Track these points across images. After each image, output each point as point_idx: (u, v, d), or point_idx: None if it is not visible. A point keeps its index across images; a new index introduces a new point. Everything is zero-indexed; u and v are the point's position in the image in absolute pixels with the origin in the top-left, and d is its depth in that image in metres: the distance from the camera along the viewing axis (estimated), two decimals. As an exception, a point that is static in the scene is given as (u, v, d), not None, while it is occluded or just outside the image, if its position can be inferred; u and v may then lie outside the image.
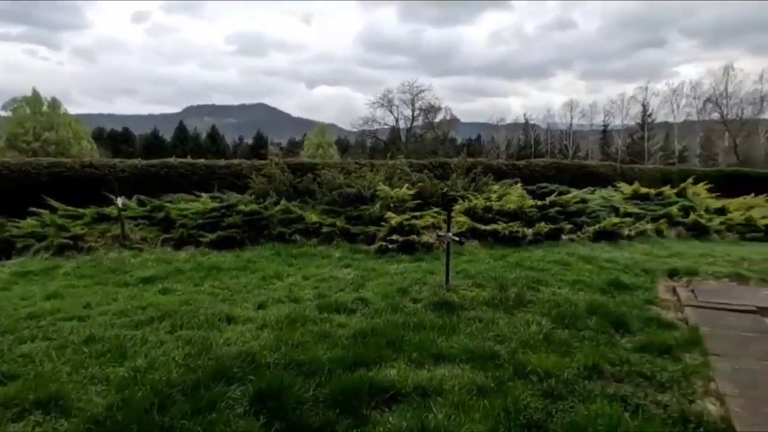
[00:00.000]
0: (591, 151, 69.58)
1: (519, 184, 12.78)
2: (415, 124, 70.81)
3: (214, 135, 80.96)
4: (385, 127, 72.24)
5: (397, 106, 69.00)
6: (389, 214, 9.54)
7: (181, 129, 79.33)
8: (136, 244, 8.45)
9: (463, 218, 9.51)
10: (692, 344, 4.31)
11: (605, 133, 71.93)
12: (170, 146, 69.03)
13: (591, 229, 9.69)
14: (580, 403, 3.23)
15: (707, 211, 11.42)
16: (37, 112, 56.74)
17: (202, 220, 9.20)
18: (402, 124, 71.32)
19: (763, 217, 11.17)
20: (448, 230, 6.03)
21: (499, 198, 11.22)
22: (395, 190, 10.80)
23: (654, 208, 11.09)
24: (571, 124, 73.55)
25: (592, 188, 15.32)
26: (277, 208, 9.70)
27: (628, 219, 10.59)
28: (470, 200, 10.67)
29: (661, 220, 10.38)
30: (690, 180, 12.38)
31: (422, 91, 68.02)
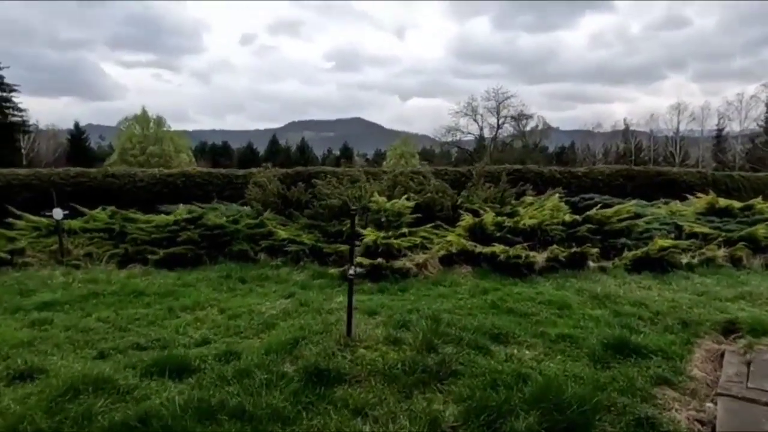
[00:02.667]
0: (702, 158, 62.01)
1: (557, 195, 10.42)
2: (502, 132, 67.53)
3: (303, 147, 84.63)
4: (469, 136, 69.68)
5: (482, 115, 66.17)
6: (366, 230, 7.86)
7: (273, 142, 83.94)
8: (76, 260, 7.59)
9: (454, 237, 7.57)
10: None
11: (719, 138, 63.64)
12: (263, 158, 72.62)
13: (630, 254, 7.28)
14: None
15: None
16: (144, 128, 62.21)
17: (159, 235, 8.16)
18: (487, 133, 68.36)
19: None
20: (351, 262, 4.28)
21: (528, 211, 9.06)
22: (392, 202, 9.09)
23: (733, 228, 8.27)
24: (678, 129, 66.02)
25: (666, 200, 12.44)
26: (244, 222, 8.42)
27: (690, 241, 7.97)
28: (480, 214, 8.64)
29: (739, 244, 7.62)
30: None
31: (508, 97, 64.65)
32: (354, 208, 8.89)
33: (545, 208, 9.47)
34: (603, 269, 7.22)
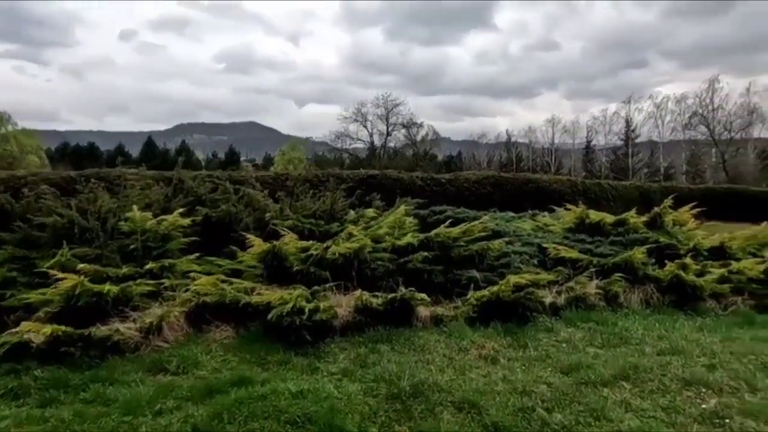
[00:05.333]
0: (574, 167, 66.34)
1: (402, 207, 8.15)
2: (392, 139, 66.70)
3: (181, 150, 77.77)
4: (359, 143, 67.94)
5: (371, 121, 64.70)
6: (84, 266, 4.83)
7: (149, 144, 76.34)
8: None
9: (206, 281, 4.79)
10: None
11: (588, 149, 68.57)
12: (137, 162, 64.98)
13: (476, 296, 5.04)
14: None
15: (696, 253, 6.84)
16: (-16, 127, 52.87)
17: None
18: (377, 140, 67.12)
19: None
20: None
21: (356, 230, 6.58)
22: (157, 220, 6.11)
23: (606, 252, 6.48)
24: (553, 141, 70.24)
25: (534, 212, 10.79)
26: None
27: (556, 271, 5.99)
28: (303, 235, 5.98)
29: (615, 276, 5.77)
30: (668, 201, 7.79)
31: (397, 105, 63.83)
32: (88, 227, 5.82)
33: (382, 226, 7.09)
34: (438, 321, 4.89)
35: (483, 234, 6.81)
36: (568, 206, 8.84)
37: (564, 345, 4.50)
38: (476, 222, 6.70)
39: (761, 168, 47.72)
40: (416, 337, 4.50)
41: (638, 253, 6.03)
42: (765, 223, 9.54)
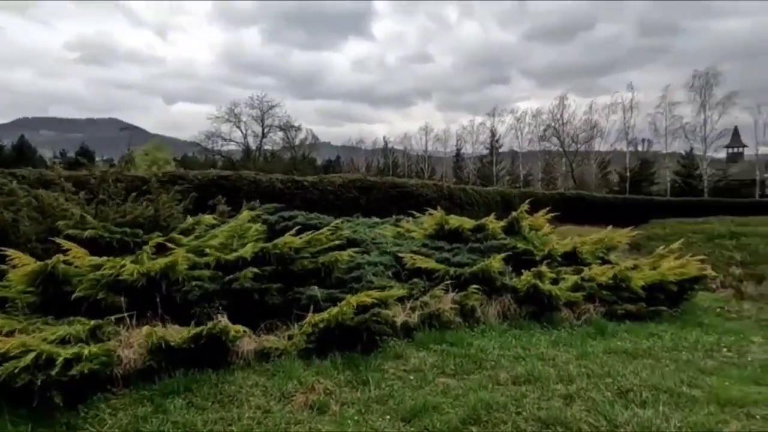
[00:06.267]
0: (445, 174, 69.63)
1: (246, 213, 7.05)
2: (269, 142, 63.82)
3: (21, 147, 66.57)
4: (232, 144, 63.92)
5: (245, 122, 61.24)
6: None
7: (-26, 140, 64.11)
8: None
9: None
10: None
11: (458, 157, 72.55)
12: (-47, 159, 54.14)
13: (312, 321, 4.14)
14: None
15: (551, 259, 6.71)
16: None
17: None
18: (253, 143, 63.72)
19: (634, 267, 6.72)
20: None
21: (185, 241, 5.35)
22: None
23: (464, 260, 6.03)
24: (426, 148, 73.21)
25: (398, 217, 10.29)
26: None
27: (411, 284, 5.35)
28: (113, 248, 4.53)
29: (471, 288, 5.29)
30: (525, 206, 7.69)
31: (273, 107, 61.21)
32: None
33: (217, 235, 5.91)
34: (264, 357, 3.91)
35: (336, 243, 5.97)
36: (431, 211, 8.40)
37: (412, 376, 3.79)
38: (324, 229, 5.83)
39: (601, 176, 54.23)
40: (228, 382, 3.46)
41: (495, 262, 5.62)
42: (610, 227, 10.07)
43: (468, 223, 7.29)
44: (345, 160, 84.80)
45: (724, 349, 4.81)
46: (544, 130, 58.80)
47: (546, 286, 5.41)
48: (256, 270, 4.65)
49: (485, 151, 66.25)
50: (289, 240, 5.30)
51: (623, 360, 4.27)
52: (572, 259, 7.24)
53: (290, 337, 4.27)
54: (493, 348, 4.43)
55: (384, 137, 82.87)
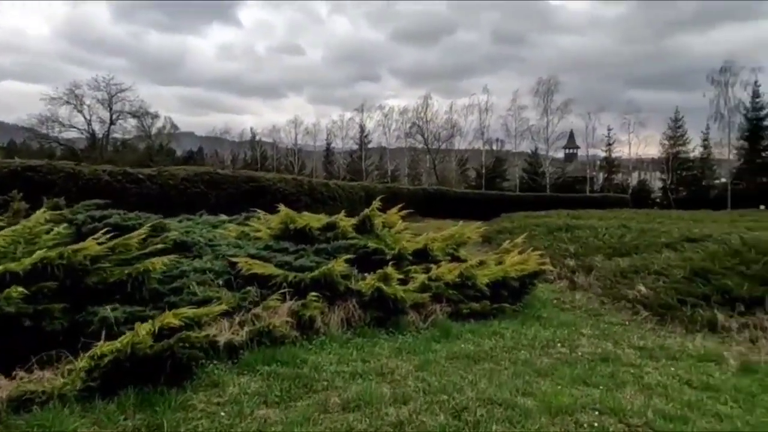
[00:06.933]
0: (316, 168, 68.81)
1: (42, 211, 5.77)
2: (119, 129, 56.43)
3: None
4: (73, 130, 55.30)
5: (89, 106, 53.40)
6: None
7: None
8: None
9: None
10: None
11: (329, 151, 72.10)
12: None
13: (95, 354, 3.28)
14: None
15: (401, 258, 6.49)
16: None
17: None
18: (98, 129, 55.85)
19: (480, 263, 6.78)
20: None
21: None
22: None
23: (307, 263, 5.51)
24: (296, 141, 71.47)
25: (248, 215, 9.42)
26: None
27: (245, 292, 4.68)
28: None
29: (311, 296, 4.79)
30: (376, 203, 7.41)
31: (123, 90, 54.11)
32: None
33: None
34: (24, 405, 2.96)
35: (158, 247, 5.04)
36: (280, 207, 7.72)
37: (225, 411, 3.14)
38: (140, 230, 4.87)
39: (461, 173, 57.90)
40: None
41: (338, 265, 5.16)
42: (461, 222, 10.32)
43: (316, 221, 6.77)
44: (209, 152, 79.69)
45: (559, 345, 4.92)
46: (410, 128, 61.01)
47: (390, 290, 5.10)
48: (24, 290, 3.59)
49: (355, 146, 66.71)
50: (85, 246, 4.27)
51: (465, 366, 4.08)
52: (423, 256, 7.10)
53: (70, 373, 3.35)
54: (329, 364, 3.96)
55: (251, 129, 79.19)
